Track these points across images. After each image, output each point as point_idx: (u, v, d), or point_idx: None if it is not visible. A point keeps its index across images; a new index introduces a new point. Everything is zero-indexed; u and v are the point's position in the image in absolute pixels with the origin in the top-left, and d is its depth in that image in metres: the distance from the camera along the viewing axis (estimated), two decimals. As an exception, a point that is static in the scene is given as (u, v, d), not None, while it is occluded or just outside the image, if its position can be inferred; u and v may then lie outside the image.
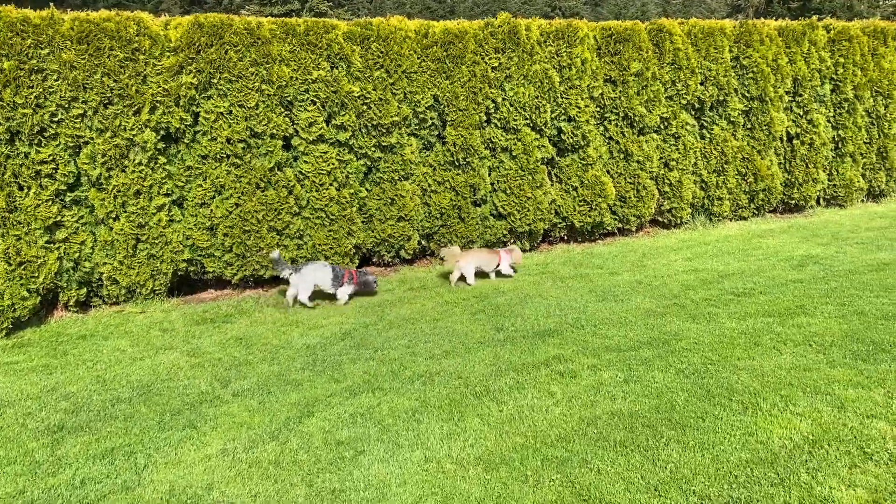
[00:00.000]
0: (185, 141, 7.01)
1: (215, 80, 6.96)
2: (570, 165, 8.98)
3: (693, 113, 9.82)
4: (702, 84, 9.66)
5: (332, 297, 7.13)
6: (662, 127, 9.53)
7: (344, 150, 7.63)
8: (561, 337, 5.96)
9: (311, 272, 6.81)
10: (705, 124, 9.96)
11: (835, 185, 11.11)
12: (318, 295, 7.15)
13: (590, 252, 9.01)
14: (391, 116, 7.67)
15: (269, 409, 4.76)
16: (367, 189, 7.92)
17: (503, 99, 8.34)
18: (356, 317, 6.68)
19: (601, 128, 9.23)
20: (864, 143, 11.21)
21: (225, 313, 6.91)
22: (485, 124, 8.43)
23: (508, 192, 8.53)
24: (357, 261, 8.00)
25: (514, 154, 8.47)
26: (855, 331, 5.81)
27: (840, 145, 10.97)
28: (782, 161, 10.62)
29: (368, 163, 7.83)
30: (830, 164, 11.03)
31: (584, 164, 8.97)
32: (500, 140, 8.41)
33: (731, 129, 10.00)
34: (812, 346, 5.53)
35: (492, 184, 8.59)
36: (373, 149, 7.74)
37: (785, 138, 10.56)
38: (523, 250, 9.02)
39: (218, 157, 7.02)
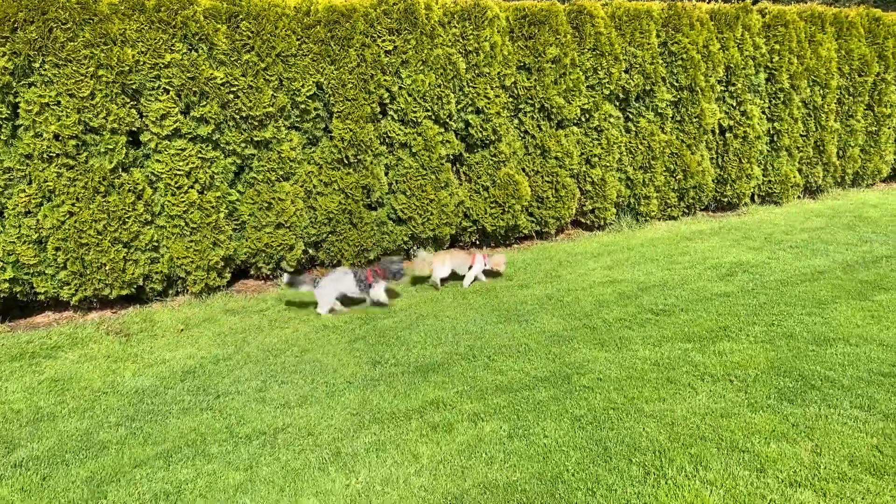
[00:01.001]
0: (2, 137, 5.90)
1: (37, 65, 5.85)
2: (479, 163, 8.13)
3: (617, 104, 9.08)
4: (626, 72, 8.93)
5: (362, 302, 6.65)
6: (583, 119, 8.76)
7: (207, 146, 6.60)
8: (447, 373, 5.12)
9: (330, 283, 6.33)
10: (631, 116, 9.25)
11: (770, 181, 10.57)
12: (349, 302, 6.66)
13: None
14: (264, 107, 6.67)
15: (50, 489, 3.77)
16: (238, 191, 6.93)
17: (400, 87, 7.42)
18: (210, 347, 5.71)
19: (515, 121, 8.41)
20: (801, 135, 10.70)
21: (54, 344, 5.85)
22: (379, 116, 7.50)
23: (409, 193, 7.63)
24: (228, 275, 7.01)
25: (414, 150, 7.56)
26: (783, 360, 5.13)
27: (775, 138, 10.41)
28: (714, 156, 10.00)
29: (239, 161, 6.83)
30: (765, 158, 10.47)
31: (496, 162, 8.13)
32: (397, 134, 7.50)
33: (659, 121, 9.30)
34: (733, 383, 4.81)
35: (389, 184, 7.68)
36: (243, 145, 6.74)
37: (717, 131, 9.93)
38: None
39: (45, 156, 5.93)
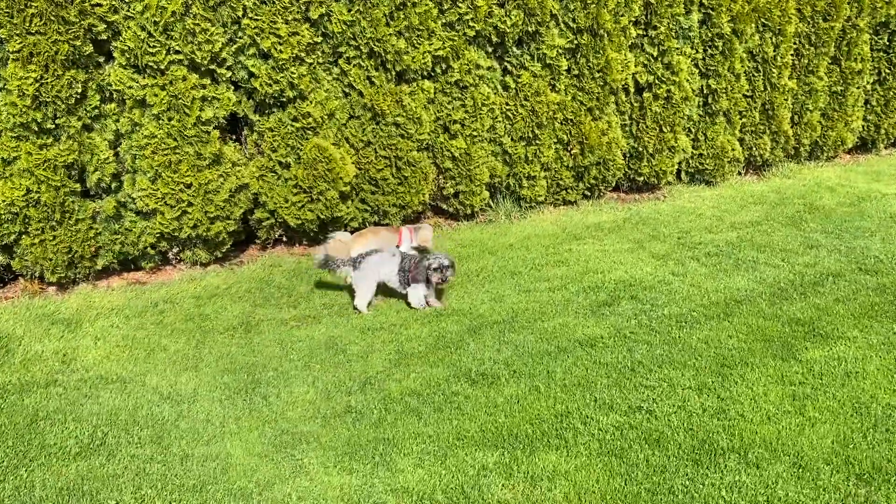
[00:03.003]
0: None
1: None
2: (275, 130, 5.89)
3: (489, 51, 6.85)
4: (501, 6, 6.66)
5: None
6: (438, 71, 6.54)
7: None
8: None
9: (374, 266, 5.12)
10: (510, 69, 7.02)
11: (701, 155, 8.48)
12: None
13: (305, 270, 6.02)
14: None
15: None
16: None
17: (126, 16, 5.08)
18: None
19: (335, 70, 6.13)
20: (745, 96, 8.59)
21: None
22: (98, 60, 5.18)
23: (153, 174, 5.37)
24: None
25: (157, 112, 5.27)
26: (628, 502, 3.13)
27: (710, 100, 8.29)
28: (628, 122, 7.86)
29: None
30: (696, 125, 8.35)
31: (301, 129, 5.90)
32: (129, 87, 5.20)
33: (548, 75, 7.10)
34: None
35: (121, 161, 5.40)
36: None
37: (631, 90, 7.75)
38: (202, 264, 5.94)
39: None
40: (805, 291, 5.41)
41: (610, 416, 3.81)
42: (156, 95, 5.20)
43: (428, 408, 3.94)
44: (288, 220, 6.06)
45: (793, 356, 4.43)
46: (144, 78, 5.22)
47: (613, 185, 8.03)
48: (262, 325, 4.95)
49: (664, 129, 7.87)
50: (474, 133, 6.80)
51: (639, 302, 5.31)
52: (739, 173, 9.10)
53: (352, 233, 6.03)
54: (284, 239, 6.48)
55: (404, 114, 6.30)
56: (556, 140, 7.28)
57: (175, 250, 5.78)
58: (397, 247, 5.89)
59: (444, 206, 7.20)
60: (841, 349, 4.51)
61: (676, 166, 8.26)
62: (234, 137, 5.95)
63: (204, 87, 5.40)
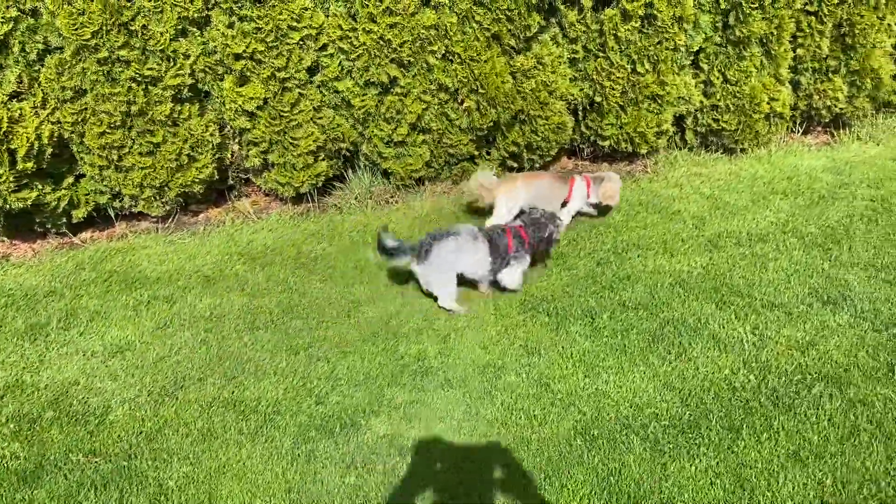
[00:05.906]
0: None
1: None
2: None
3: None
4: None
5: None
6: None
7: None
8: None
9: (447, 255, 3.83)
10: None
11: (716, 108, 5.59)
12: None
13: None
14: None
15: None
16: None
17: None
18: None
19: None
20: (804, 12, 5.55)
21: None
22: None
23: None
24: None
25: None
26: None
27: (734, 19, 5.33)
28: (580, 55, 5.12)
29: None
30: (710, 60, 5.45)
31: None
32: None
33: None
34: None
35: None
36: None
37: (588, 3, 4.99)
38: None
39: None
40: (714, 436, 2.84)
41: None
42: None
43: None
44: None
45: None
46: None
47: (555, 152, 5.39)
48: None
49: (640, 68, 5.08)
50: (282, 75, 4.41)
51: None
52: (791, 129, 6.13)
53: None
54: None
55: (139, 44, 4.01)
56: (436, 87, 4.73)
57: None
58: (564, 203, 4.64)
59: (258, 182, 4.94)
60: None
61: (668, 126, 5.46)
62: None
63: None
